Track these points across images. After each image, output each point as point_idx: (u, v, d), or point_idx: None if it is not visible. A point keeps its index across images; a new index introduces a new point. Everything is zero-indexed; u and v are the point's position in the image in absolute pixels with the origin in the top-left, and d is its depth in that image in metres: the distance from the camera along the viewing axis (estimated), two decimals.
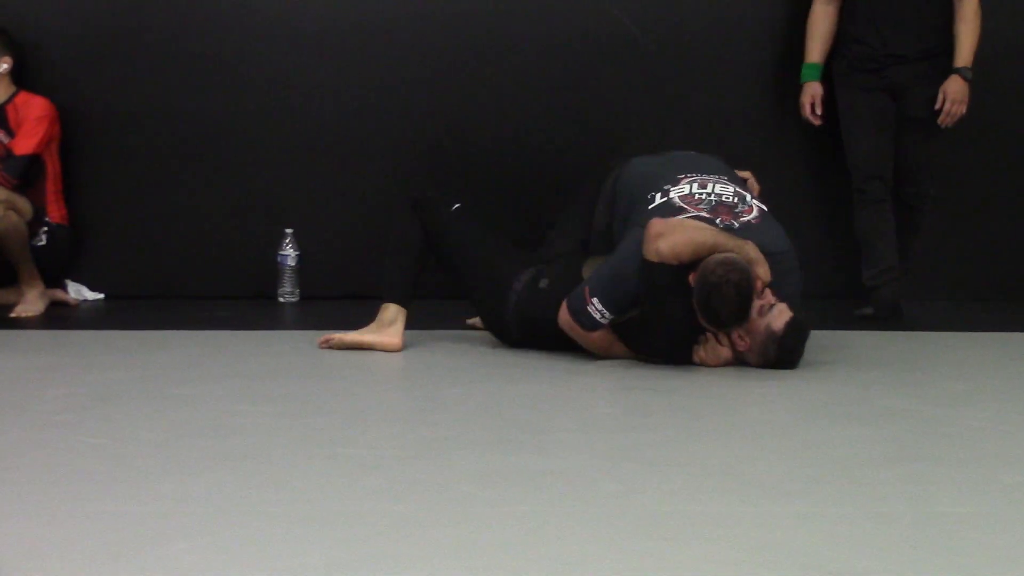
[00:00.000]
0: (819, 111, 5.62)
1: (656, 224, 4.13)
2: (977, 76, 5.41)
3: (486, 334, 4.83)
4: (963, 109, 5.35)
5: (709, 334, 4.17)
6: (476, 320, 4.99)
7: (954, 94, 5.32)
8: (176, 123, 5.88)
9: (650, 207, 4.32)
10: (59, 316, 5.45)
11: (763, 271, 4.10)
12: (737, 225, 4.25)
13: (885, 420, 3.55)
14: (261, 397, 3.73)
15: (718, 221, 4.25)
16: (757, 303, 4.09)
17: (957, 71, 5.33)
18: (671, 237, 4.08)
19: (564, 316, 4.27)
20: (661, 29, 5.88)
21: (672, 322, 4.16)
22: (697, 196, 4.36)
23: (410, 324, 4.68)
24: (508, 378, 4.09)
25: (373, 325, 4.61)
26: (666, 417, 3.61)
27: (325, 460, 3.00)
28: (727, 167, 4.60)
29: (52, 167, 5.69)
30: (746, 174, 4.65)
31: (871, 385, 4.05)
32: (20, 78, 5.68)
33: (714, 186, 4.40)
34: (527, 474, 2.89)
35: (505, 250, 4.65)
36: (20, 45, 5.67)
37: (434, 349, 4.62)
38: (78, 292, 5.82)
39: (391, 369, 4.35)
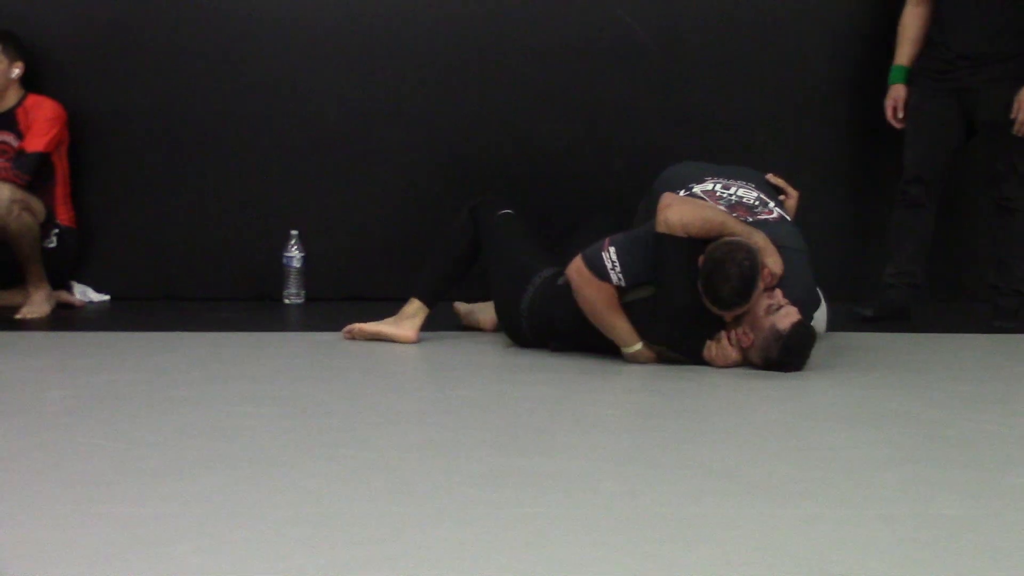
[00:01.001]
0: (900, 115, 5.55)
1: (667, 196, 4.19)
2: None
3: (490, 336, 4.84)
4: None
5: (722, 333, 4.16)
6: (463, 307, 5.07)
7: None
8: (182, 125, 5.88)
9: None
10: (65, 318, 5.46)
11: (773, 261, 4.10)
12: (752, 220, 4.27)
13: (888, 422, 3.56)
14: (266, 399, 3.73)
15: (734, 215, 4.27)
16: (765, 301, 4.09)
17: None
18: (680, 208, 4.13)
19: (576, 263, 4.22)
20: (668, 31, 5.87)
21: (679, 306, 4.15)
22: (719, 194, 4.40)
23: (428, 325, 4.76)
24: (512, 380, 4.10)
25: (395, 316, 4.73)
26: (669, 419, 3.61)
27: (329, 462, 3.00)
28: (762, 179, 4.61)
29: (61, 170, 5.71)
30: (793, 193, 4.64)
31: (874, 387, 4.05)
32: (26, 81, 5.69)
33: (738, 189, 4.44)
34: (531, 476, 2.90)
35: (536, 249, 4.66)
36: (28, 50, 5.69)
37: (445, 351, 4.63)
38: (84, 294, 5.82)
39: (396, 371, 4.35)
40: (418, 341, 4.69)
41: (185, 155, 5.91)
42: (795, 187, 4.68)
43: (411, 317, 4.72)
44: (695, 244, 4.11)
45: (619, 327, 4.23)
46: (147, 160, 5.91)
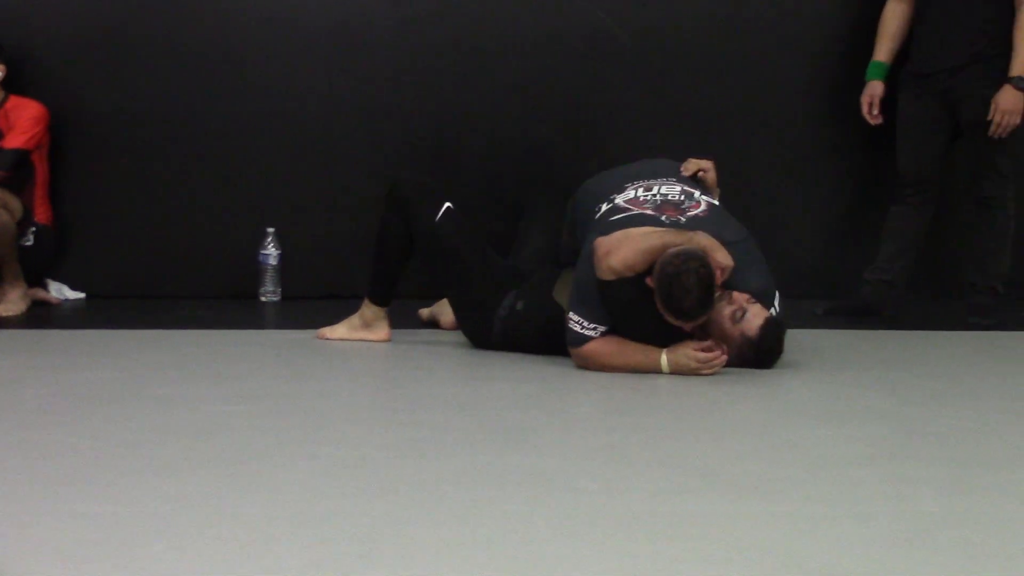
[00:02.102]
0: (875, 111, 5.56)
1: (601, 244, 4.07)
2: None
3: (460, 335, 4.84)
4: (1017, 120, 5.18)
5: (687, 344, 4.10)
6: (431, 312, 5.07)
7: (1004, 104, 5.18)
8: (158, 124, 5.87)
9: (596, 217, 4.31)
10: (41, 316, 5.44)
11: (722, 256, 4.02)
12: (684, 220, 4.21)
13: (865, 419, 3.57)
14: (243, 397, 3.72)
15: (664, 218, 4.21)
16: (727, 309, 4.06)
17: (1010, 81, 5.19)
18: (620, 252, 4.01)
19: (572, 353, 4.21)
20: (646, 28, 5.88)
21: (646, 332, 4.10)
22: (642, 198, 4.33)
23: (394, 323, 4.76)
24: (490, 378, 4.10)
25: (357, 318, 4.74)
26: (647, 416, 3.61)
27: (307, 460, 3.00)
28: (676, 168, 4.55)
29: (41, 171, 5.71)
30: (707, 164, 4.53)
31: (850, 384, 4.06)
32: (7, 83, 5.67)
33: (660, 187, 4.38)
34: (509, 473, 2.90)
35: (488, 268, 4.57)
36: (9, 53, 5.66)
37: (417, 349, 4.63)
38: (59, 291, 5.80)
39: (373, 369, 4.35)
40: (391, 340, 4.70)
41: (161, 153, 5.89)
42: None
43: (375, 319, 4.72)
44: (639, 275, 4.04)
45: (637, 360, 4.14)
46: (123, 158, 5.89)
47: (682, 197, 4.34)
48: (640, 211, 4.26)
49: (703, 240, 4.06)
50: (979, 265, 5.44)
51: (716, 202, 4.42)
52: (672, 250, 3.96)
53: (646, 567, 2.27)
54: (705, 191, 4.46)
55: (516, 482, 2.82)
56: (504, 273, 4.56)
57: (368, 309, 4.72)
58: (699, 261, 3.91)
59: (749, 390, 3.93)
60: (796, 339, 4.56)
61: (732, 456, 3.12)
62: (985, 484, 2.88)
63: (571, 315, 4.16)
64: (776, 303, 4.21)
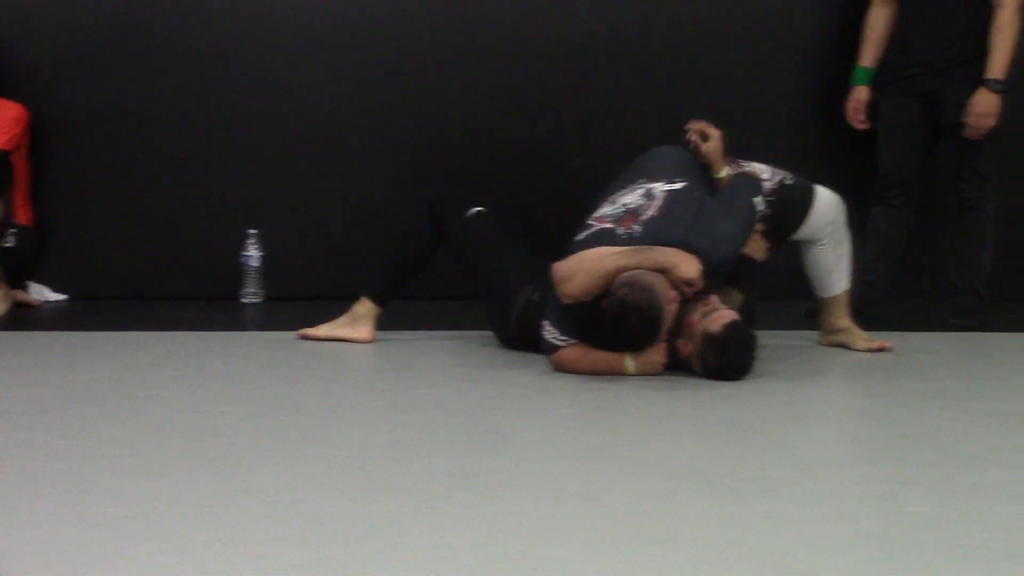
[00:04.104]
0: (861, 116, 5.58)
1: (557, 270, 4.12)
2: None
3: (447, 335, 4.83)
4: (992, 122, 5.19)
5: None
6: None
7: (979, 107, 5.18)
8: (140, 124, 5.85)
9: (575, 239, 4.34)
10: (23, 318, 5.42)
11: (685, 268, 4.01)
12: (639, 228, 4.20)
13: (849, 421, 3.58)
14: (231, 398, 3.72)
15: (620, 231, 4.21)
16: (700, 307, 4.08)
17: (985, 83, 5.20)
18: (574, 280, 4.06)
19: (548, 359, 4.25)
20: (633, 30, 5.89)
21: (614, 348, 4.13)
22: (607, 213, 4.35)
23: (386, 324, 4.75)
24: (478, 380, 4.10)
25: (346, 317, 4.74)
26: (632, 418, 3.62)
27: (295, 461, 3.00)
28: (667, 155, 4.56)
29: (22, 172, 5.70)
30: (712, 132, 4.54)
31: (834, 386, 4.08)
32: None
33: (623, 197, 4.38)
34: (494, 475, 2.90)
35: (515, 262, 4.62)
36: None
37: (405, 350, 4.62)
38: (40, 293, 5.78)
39: (361, 370, 4.35)
40: (373, 341, 4.69)
41: (144, 155, 5.88)
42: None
43: (364, 317, 4.72)
44: (598, 296, 4.06)
45: (605, 366, 4.16)
46: (106, 160, 5.87)
47: (641, 200, 4.34)
48: (601, 227, 4.29)
49: (659, 258, 4.04)
50: (961, 267, 5.46)
51: (676, 185, 4.38)
52: (620, 279, 3.97)
53: (631, 569, 2.27)
54: (689, 171, 4.47)
55: (501, 484, 2.82)
56: (531, 267, 4.57)
57: (362, 306, 4.73)
58: (643, 294, 3.92)
59: (732, 392, 3.93)
60: (778, 340, 4.58)
61: (717, 457, 3.13)
62: (969, 484, 2.89)
63: (545, 324, 4.20)
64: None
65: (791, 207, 4.44)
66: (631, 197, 4.37)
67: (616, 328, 3.99)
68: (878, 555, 2.37)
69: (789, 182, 4.48)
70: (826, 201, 4.53)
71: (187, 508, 2.60)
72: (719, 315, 4.05)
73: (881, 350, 4.64)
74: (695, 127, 4.57)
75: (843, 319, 4.74)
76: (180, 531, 2.44)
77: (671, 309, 3.99)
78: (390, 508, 2.62)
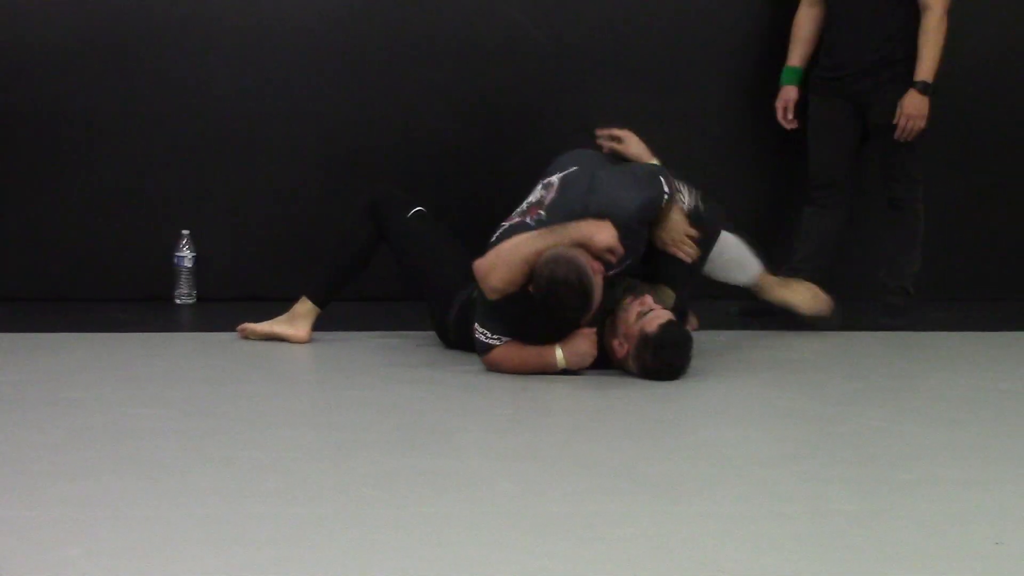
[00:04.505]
0: (790, 115, 5.60)
1: (478, 267, 4.15)
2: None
3: (382, 336, 4.82)
4: (921, 124, 5.22)
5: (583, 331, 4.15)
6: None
7: (909, 108, 5.21)
8: (68, 123, 5.78)
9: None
10: None
11: (600, 238, 4.06)
12: (544, 214, 4.28)
13: (781, 420, 3.60)
14: (157, 400, 3.69)
15: (529, 220, 4.28)
16: (636, 308, 4.09)
17: (914, 85, 5.22)
18: (496, 271, 4.10)
19: (482, 360, 4.25)
20: (564, 30, 5.89)
21: (545, 335, 4.13)
22: (515, 211, 4.43)
23: (323, 325, 4.71)
24: (409, 380, 4.09)
25: (286, 316, 4.72)
26: (564, 417, 3.63)
27: (223, 463, 2.97)
28: (564, 157, 4.58)
29: None
30: (622, 133, 4.60)
31: (765, 385, 4.10)
32: None
33: (528, 197, 4.46)
34: (427, 476, 2.89)
35: (454, 261, 4.59)
36: None
37: (340, 351, 4.60)
38: None
39: (289, 372, 4.32)
40: (310, 341, 4.67)
41: (73, 154, 5.81)
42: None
43: (303, 316, 4.70)
44: (524, 286, 4.08)
45: (536, 365, 4.16)
46: (33, 158, 5.80)
47: (542, 193, 4.42)
48: (510, 223, 4.35)
49: (573, 234, 4.09)
50: (890, 266, 5.51)
51: (568, 171, 4.44)
52: (543, 259, 4.00)
53: (565, 568, 2.27)
54: (588, 160, 4.50)
55: (434, 484, 2.82)
56: (469, 266, 4.55)
57: (303, 306, 4.70)
58: (567, 264, 3.95)
59: (665, 391, 3.94)
60: (711, 340, 4.60)
61: (650, 457, 3.14)
62: (901, 483, 2.92)
63: (477, 326, 4.20)
64: (665, 189, 4.29)
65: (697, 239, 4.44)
66: (533, 195, 4.46)
67: (548, 307, 3.99)
68: (809, 553, 2.38)
69: (701, 210, 4.44)
70: (726, 242, 4.67)
71: (107, 512, 2.57)
72: (655, 315, 4.06)
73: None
74: (604, 133, 4.61)
75: (781, 284, 4.98)
76: (99, 536, 2.41)
77: (597, 281, 4.01)
78: (320, 510, 2.61)
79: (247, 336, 4.73)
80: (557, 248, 4.02)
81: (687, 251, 4.30)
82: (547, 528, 2.51)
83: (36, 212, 5.81)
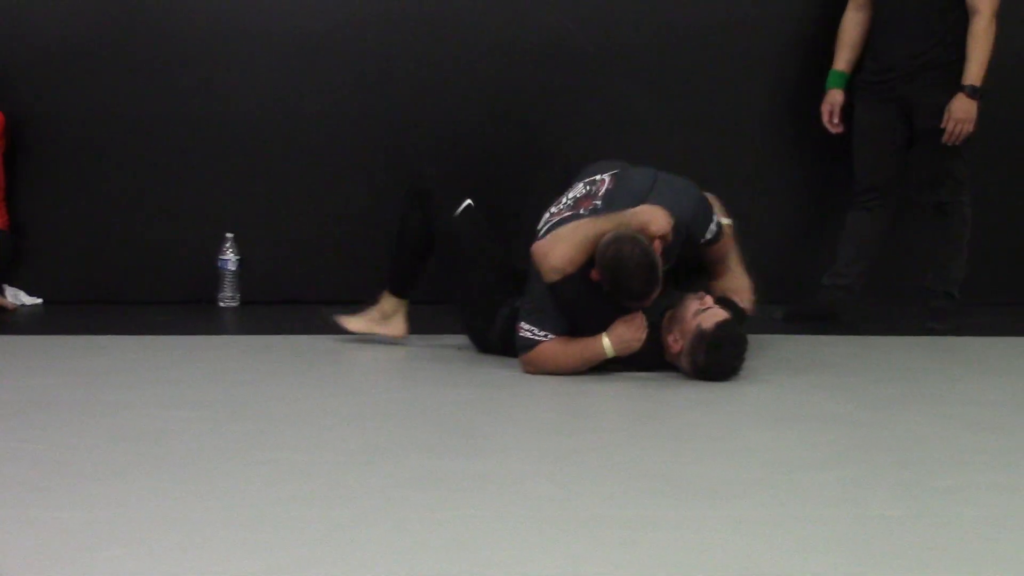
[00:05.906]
0: (836, 119, 5.57)
1: (537, 248, 4.17)
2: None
3: (420, 339, 4.82)
4: (969, 128, 5.20)
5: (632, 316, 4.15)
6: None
7: (957, 112, 5.19)
8: (116, 128, 5.82)
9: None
10: None
11: (656, 225, 4.08)
12: (600, 203, 4.29)
13: (822, 424, 3.58)
14: (200, 402, 3.71)
15: (581, 211, 4.29)
16: (694, 305, 4.09)
17: (963, 88, 5.20)
18: (556, 250, 4.11)
19: (521, 360, 4.24)
20: (611, 35, 5.88)
21: (604, 322, 4.13)
22: (556, 211, 4.40)
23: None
24: (450, 383, 4.09)
25: (376, 313, 4.72)
26: (605, 421, 3.62)
27: (262, 465, 2.99)
28: (600, 162, 4.61)
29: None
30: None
31: (807, 389, 4.08)
32: None
33: (567, 197, 4.45)
34: (466, 478, 2.89)
35: (502, 269, 4.55)
36: None
37: (371, 354, 4.61)
38: (16, 297, 5.76)
39: (329, 374, 4.33)
40: (408, 334, 4.69)
41: (120, 158, 5.85)
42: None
43: (393, 314, 4.70)
44: (583, 269, 4.09)
45: (583, 356, 4.17)
46: (81, 162, 5.85)
47: (587, 188, 4.42)
48: (560, 216, 4.33)
49: (631, 220, 4.11)
50: (936, 270, 5.48)
51: (618, 170, 4.46)
52: (605, 238, 4.03)
53: (603, 571, 2.27)
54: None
55: (473, 487, 2.82)
56: (515, 275, 4.54)
57: (387, 302, 4.71)
58: (632, 242, 3.98)
59: (706, 395, 3.93)
60: (755, 344, 4.57)
61: (688, 460, 3.13)
62: (942, 488, 2.90)
63: (522, 324, 4.19)
64: (715, 222, 4.33)
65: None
66: (574, 191, 4.46)
67: (615, 284, 3.99)
68: (848, 558, 2.37)
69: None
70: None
71: (146, 513, 2.59)
72: (713, 312, 4.08)
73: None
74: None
75: None
76: (138, 536, 2.43)
77: (660, 262, 4.03)
78: (355, 511, 2.61)
79: (351, 331, 4.70)
80: (618, 230, 4.04)
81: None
82: (586, 530, 2.50)
83: (81, 216, 5.86)
